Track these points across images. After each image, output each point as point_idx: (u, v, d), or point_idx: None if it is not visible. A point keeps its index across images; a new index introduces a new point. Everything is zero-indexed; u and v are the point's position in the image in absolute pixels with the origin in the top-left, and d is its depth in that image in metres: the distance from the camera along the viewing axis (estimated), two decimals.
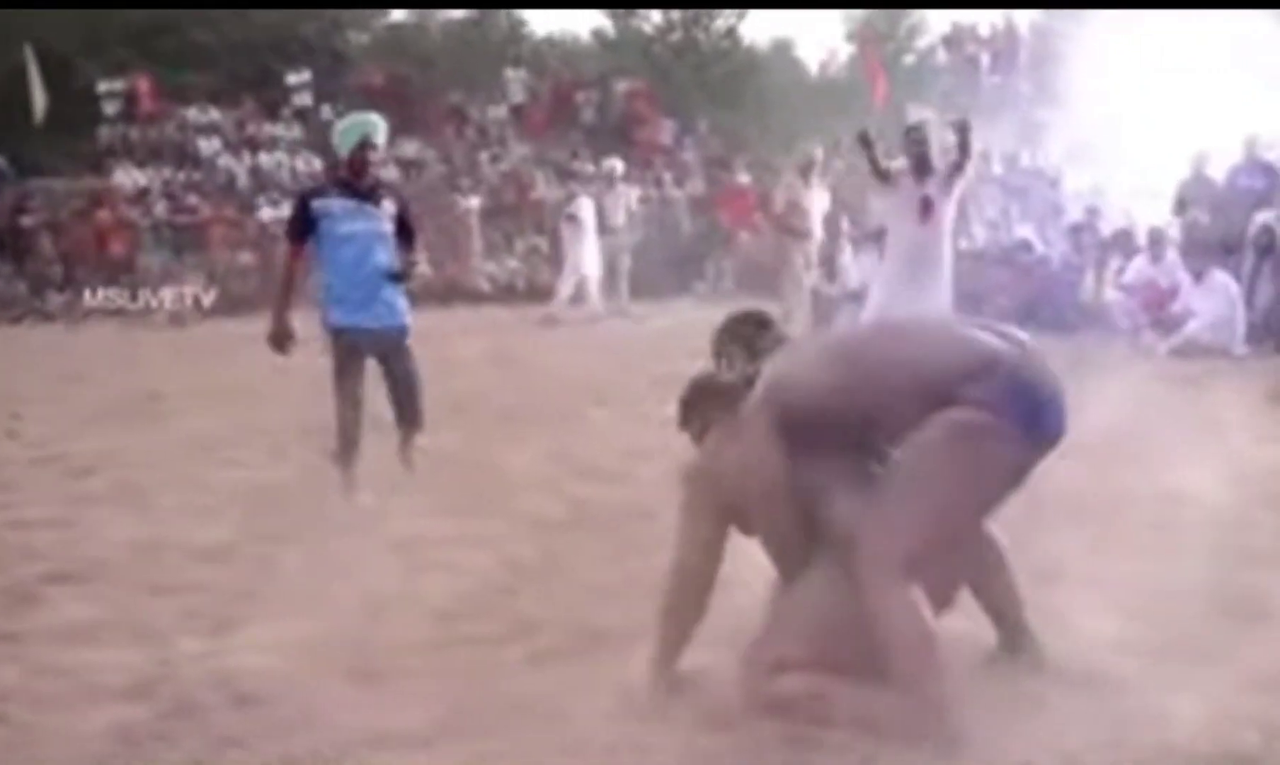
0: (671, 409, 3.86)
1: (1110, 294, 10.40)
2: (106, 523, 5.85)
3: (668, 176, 18.61)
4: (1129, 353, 9.00)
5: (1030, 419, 3.06)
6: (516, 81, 23.87)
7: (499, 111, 23.62)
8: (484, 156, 22.08)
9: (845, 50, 41.71)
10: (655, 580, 4.38)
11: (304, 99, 22.85)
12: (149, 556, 5.22)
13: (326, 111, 22.99)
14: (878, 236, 10.18)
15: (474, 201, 18.53)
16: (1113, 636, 3.65)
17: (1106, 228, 11.31)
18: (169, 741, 3.39)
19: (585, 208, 14.67)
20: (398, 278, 6.09)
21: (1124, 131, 14.24)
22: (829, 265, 11.95)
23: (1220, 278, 9.40)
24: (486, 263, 17.17)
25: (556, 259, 15.68)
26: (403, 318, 6.16)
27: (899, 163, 8.41)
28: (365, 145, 6.00)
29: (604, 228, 14.48)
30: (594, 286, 14.40)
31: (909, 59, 35.74)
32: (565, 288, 14.43)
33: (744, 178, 17.91)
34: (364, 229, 6.00)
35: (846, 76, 39.63)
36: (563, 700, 3.53)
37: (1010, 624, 3.45)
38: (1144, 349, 9.14)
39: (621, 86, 24.20)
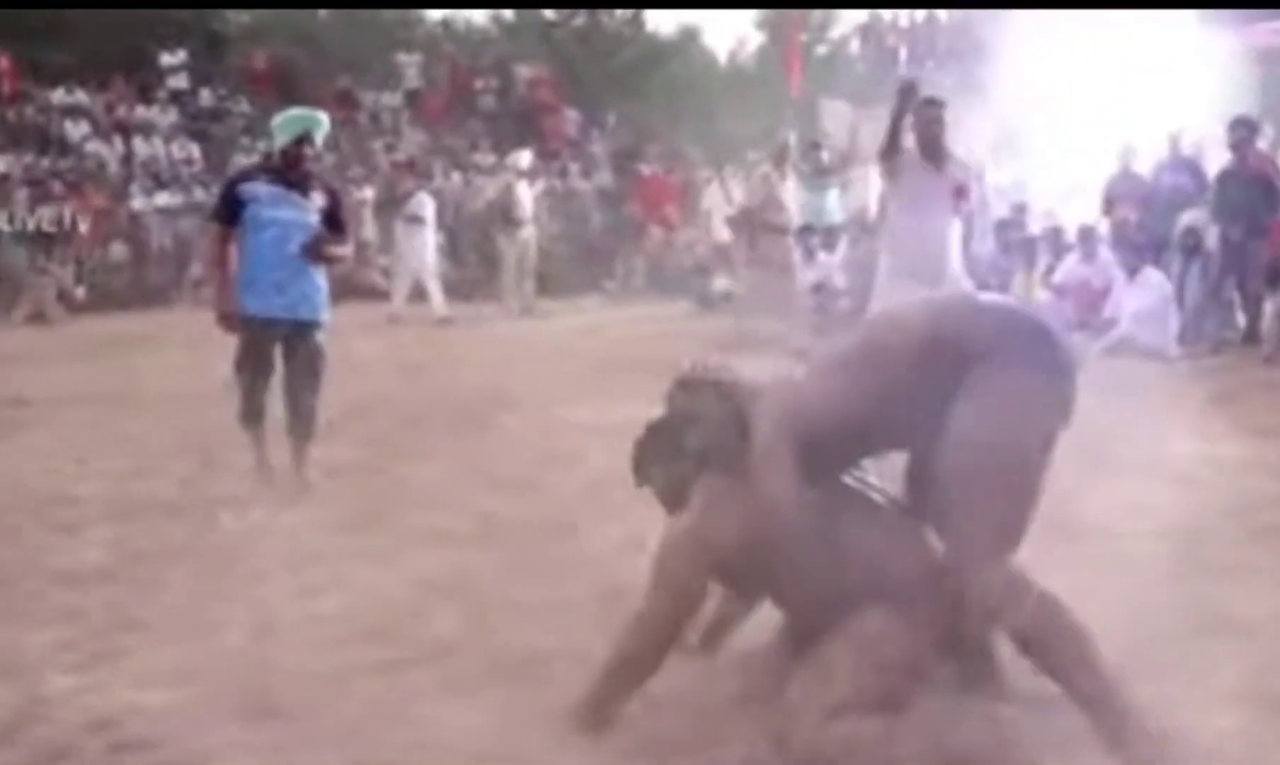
0: (584, 413, 3.72)
1: (1041, 294, 10.49)
2: None
3: (574, 168, 18.46)
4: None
5: (1054, 362, 3.12)
6: (412, 66, 23.55)
7: (393, 98, 23.27)
8: (377, 145, 21.73)
9: (755, 38, 41.99)
10: (576, 600, 4.30)
11: (180, 81, 22.29)
12: (12, 582, 4.91)
13: (206, 95, 22.51)
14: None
15: (368, 193, 18.20)
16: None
17: (1034, 225, 11.41)
18: None
19: (426, 206, 14.55)
20: (312, 255, 6.11)
21: (1047, 127, 14.49)
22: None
23: (1154, 276, 9.52)
24: (380, 257, 16.84)
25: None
26: (318, 312, 6.21)
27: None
28: (303, 141, 6.08)
29: (513, 221, 14.26)
30: (435, 285, 14.20)
31: (821, 50, 36.03)
32: (401, 288, 14.33)
33: (655, 168, 17.87)
34: (288, 217, 6.07)
35: (756, 66, 39.89)
36: (483, 733, 3.37)
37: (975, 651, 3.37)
38: (1077, 350, 9.17)
39: (523, 73, 23.99)
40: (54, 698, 3.73)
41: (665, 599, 3.30)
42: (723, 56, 42.64)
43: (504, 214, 14.43)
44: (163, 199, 17.85)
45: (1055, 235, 10.96)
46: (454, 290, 15.43)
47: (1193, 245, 9.69)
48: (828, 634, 3.22)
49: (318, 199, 6.16)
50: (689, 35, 39.06)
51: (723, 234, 15.44)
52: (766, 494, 3.21)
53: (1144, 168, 11.42)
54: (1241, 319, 9.74)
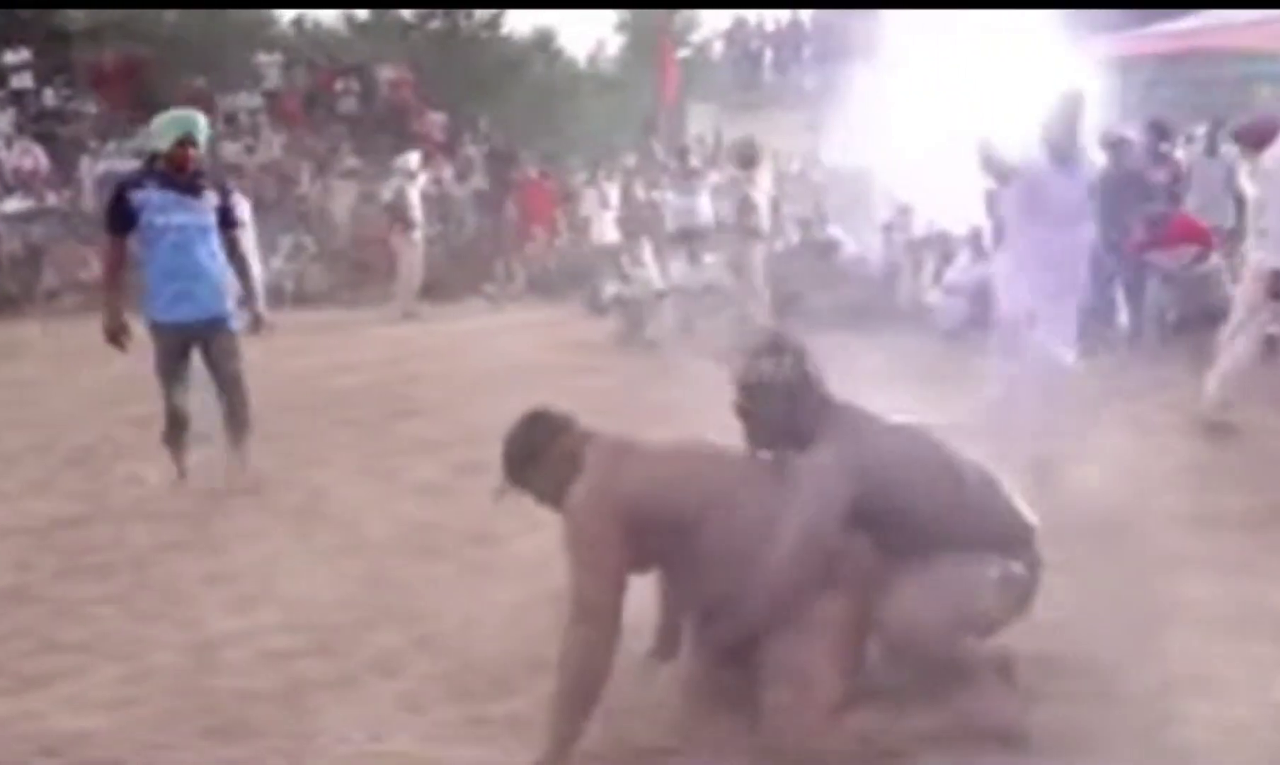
0: (489, 418, 3.67)
1: (932, 296, 10.70)
2: None
3: (448, 173, 18.28)
4: (962, 355, 9.21)
5: None
6: (272, 66, 23.04)
7: (250, 99, 22.75)
8: (234, 148, 21.24)
9: (614, 41, 42.23)
10: (517, 606, 4.28)
11: (24, 80, 21.44)
12: None
13: (49, 96, 21.74)
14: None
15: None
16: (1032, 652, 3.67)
17: (918, 227, 11.64)
18: None
19: (243, 208, 14.25)
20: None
21: (922, 128, 14.83)
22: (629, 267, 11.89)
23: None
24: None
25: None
26: (225, 306, 6.18)
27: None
28: (185, 142, 6.02)
29: (409, 223, 14.08)
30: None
31: (684, 53, 36.36)
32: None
33: (532, 172, 17.80)
34: (184, 221, 6.01)
35: (616, 69, 40.10)
36: (449, 746, 3.35)
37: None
38: (975, 350, 9.35)
39: (385, 75, 23.70)
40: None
41: (587, 579, 3.22)
42: (582, 59, 42.80)
43: (400, 217, 14.18)
44: (12, 205, 17.16)
45: (942, 239, 11.20)
46: (327, 297, 15.20)
47: (976, 245, 10.04)
48: (778, 632, 3.24)
49: (211, 198, 6.11)
50: (545, 37, 39.06)
51: (605, 237, 15.49)
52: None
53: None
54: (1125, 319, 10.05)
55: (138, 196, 5.97)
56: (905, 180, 13.59)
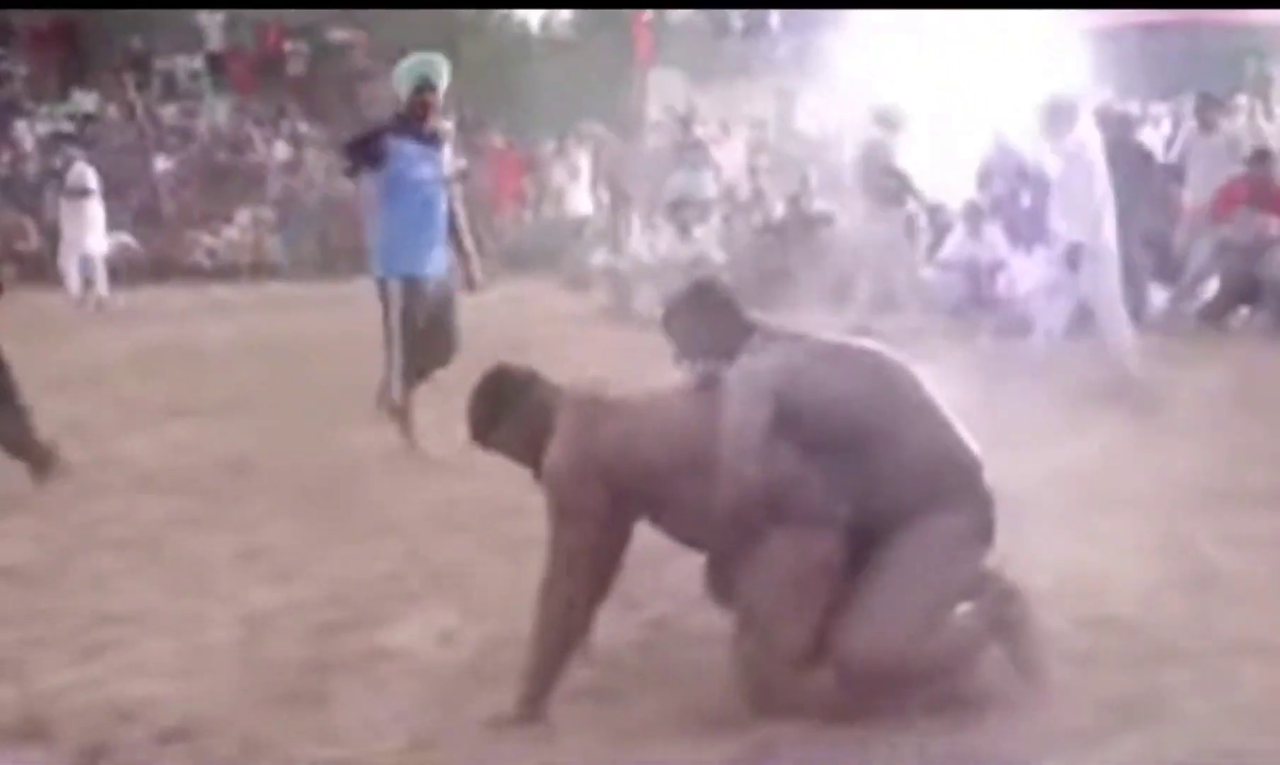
0: None
1: (926, 271, 10.95)
2: None
3: None
4: (954, 332, 9.47)
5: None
6: (213, 27, 22.93)
7: (191, 62, 22.65)
8: (172, 110, 21.17)
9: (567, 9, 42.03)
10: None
11: None
12: None
13: None
14: None
15: (169, 163, 17.80)
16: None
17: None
18: None
19: (89, 176, 14.26)
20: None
21: (905, 101, 15.07)
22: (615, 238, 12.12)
23: (1048, 253, 10.01)
24: (202, 234, 16.47)
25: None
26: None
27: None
28: (424, 88, 6.30)
29: None
30: (100, 267, 13.97)
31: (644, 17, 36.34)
32: (70, 270, 14.00)
33: (498, 141, 17.91)
34: (431, 175, 6.37)
35: (572, 34, 40.02)
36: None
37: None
38: (970, 326, 9.63)
39: (336, 36, 23.62)
40: (61, 693, 3.70)
41: (568, 531, 3.39)
42: (535, 23, 42.64)
43: None
44: None
45: (937, 212, 11.45)
46: (290, 270, 15.25)
47: (974, 219, 10.32)
48: (743, 573, 3.41)
49: (448, 154, 6.53)
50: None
51: (577, 208, 15.56)
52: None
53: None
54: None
55: (393, 142, 6.25)
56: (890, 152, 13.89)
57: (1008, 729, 3.26)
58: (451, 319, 6.49)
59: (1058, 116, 7.75)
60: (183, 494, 5.95)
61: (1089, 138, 7.87)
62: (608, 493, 3.41)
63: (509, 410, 3.61)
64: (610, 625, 3.78)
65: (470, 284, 6.69)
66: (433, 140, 6.39)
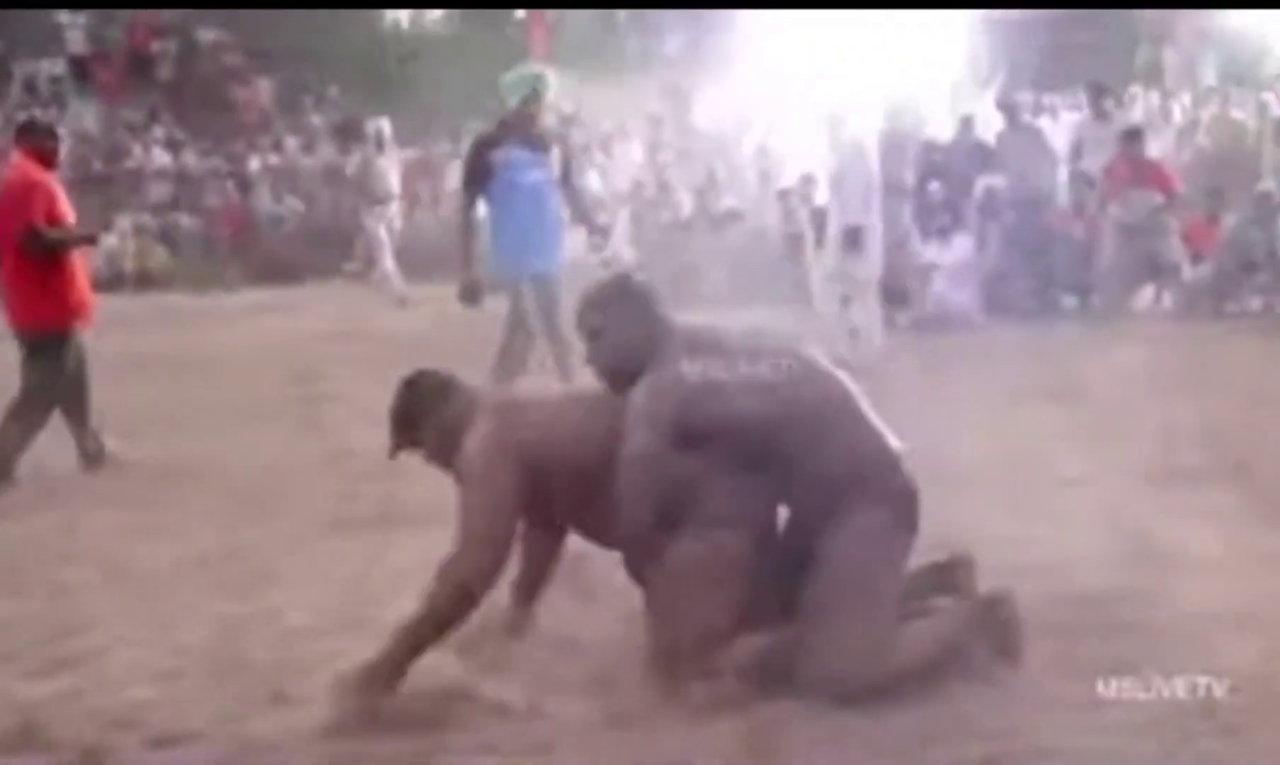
0: None
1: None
2: None
3: (292, 143, 18.25)
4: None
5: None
6: (75, 29, 22.50)
7: (54, 65, 22.22)
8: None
9: None
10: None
11: None
12: None
13: None
14: None
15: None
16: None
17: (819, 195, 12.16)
18: None
19: None
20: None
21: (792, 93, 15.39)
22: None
23: (962, 241, 10.42)
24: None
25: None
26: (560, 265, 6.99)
27: None
28: (530, 99, 6.78)
29: (374, 197, 13.88)
30: None
31: (520, 15, 36.39)
32: None
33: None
34: (540, 178, 6.81)
35: (445, 30, 39.86)
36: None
37: None
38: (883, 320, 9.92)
39: (206, 37, 23.34)
40: (44, 703, 3.76)
41: (475, 517, 3.58)
42: (405, 19, 42.41)
43: (364, 191, 14.02)
44: None
45: None
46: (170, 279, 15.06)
47: (993, 209, 10.66)
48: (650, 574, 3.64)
49: (556, 152, 6.93)
50: None
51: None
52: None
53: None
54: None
55: (496, 155, 6.73)
56: (786, 144, 14.18)
57: (996, 698, 3.52)
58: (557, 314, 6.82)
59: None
60: (122, 505, 5.99)
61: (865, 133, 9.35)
62: (517, 486, 3.61)
63: (428, 413, 3.81)
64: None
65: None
66: (540, 145, 6.83)
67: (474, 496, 3.60)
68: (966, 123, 12.21)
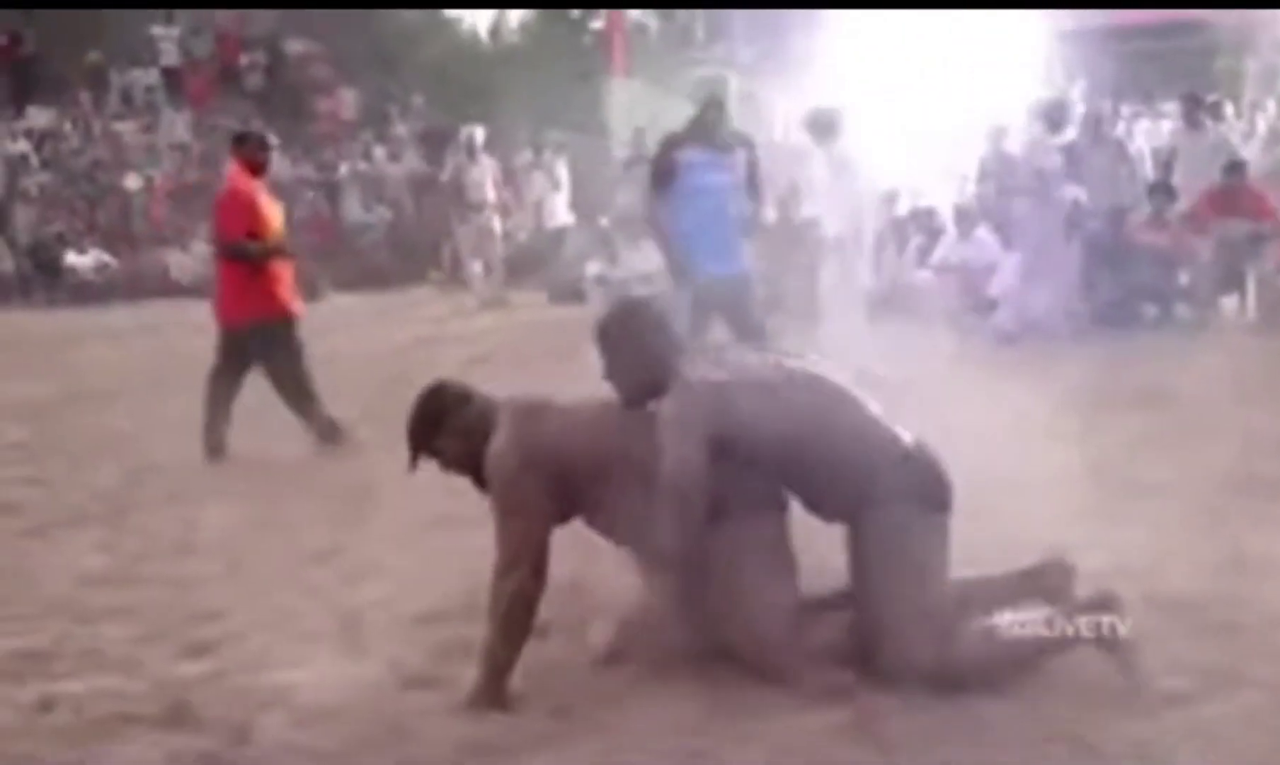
0: None
1: (921, 275, 11.35)
2: None
3: (380, 152, 18.61)
4: (952, 336, 9.83)
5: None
6: (168, 40, 23.06)
7: (147, 75, 22.77)
8: (129, 127, 21.30)
9: (515, 14, 42.28)
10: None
11: None
12: (35, 583, 5.15)
13: None
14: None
15: (137, 180, 17.98)
16: None
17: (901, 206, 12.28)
18: None
19: None
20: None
21: (871, 107, 15.47)
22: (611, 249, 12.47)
23: (1049, 254, 10.44)
24: (171, 251, 16.71)
25: None
26: (745, 264, 7.22)
27: None
28: (710, 106, 7.06)
29: (467, 204, 14.13)
30: None
31: (597, 25, 36.67)
32: None
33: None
34: (722, 182, 7.01)
35: (523, 41, 40.22)
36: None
37: None
38: (965, 331, 10.01)
39: (294, 49, 23.82)
40: (196, 682, 4.00)
41: (515, 522, 3.75)
42: (484, 31, 42.84)
43: (457, 199, 14.24)
44: None
45: (927, 216, 11.85)
46: None
47: (1076, 221, 10.69)
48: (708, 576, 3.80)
49: (741, 157, 7.14)
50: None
51: (555, 220, 15.83)
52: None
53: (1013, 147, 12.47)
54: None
55: (680, 156, 6.99)
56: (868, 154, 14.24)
57: (1092, 695, 3.65)
58: (749, 305, 7.13)
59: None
60: (235, 500, 6.22)
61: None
62: (545, 489, 3.79)
63: (448, 422, 3.97)
64: None
65: None
66: (722, 148, 7.05)
67: (508, 517, 3.78)
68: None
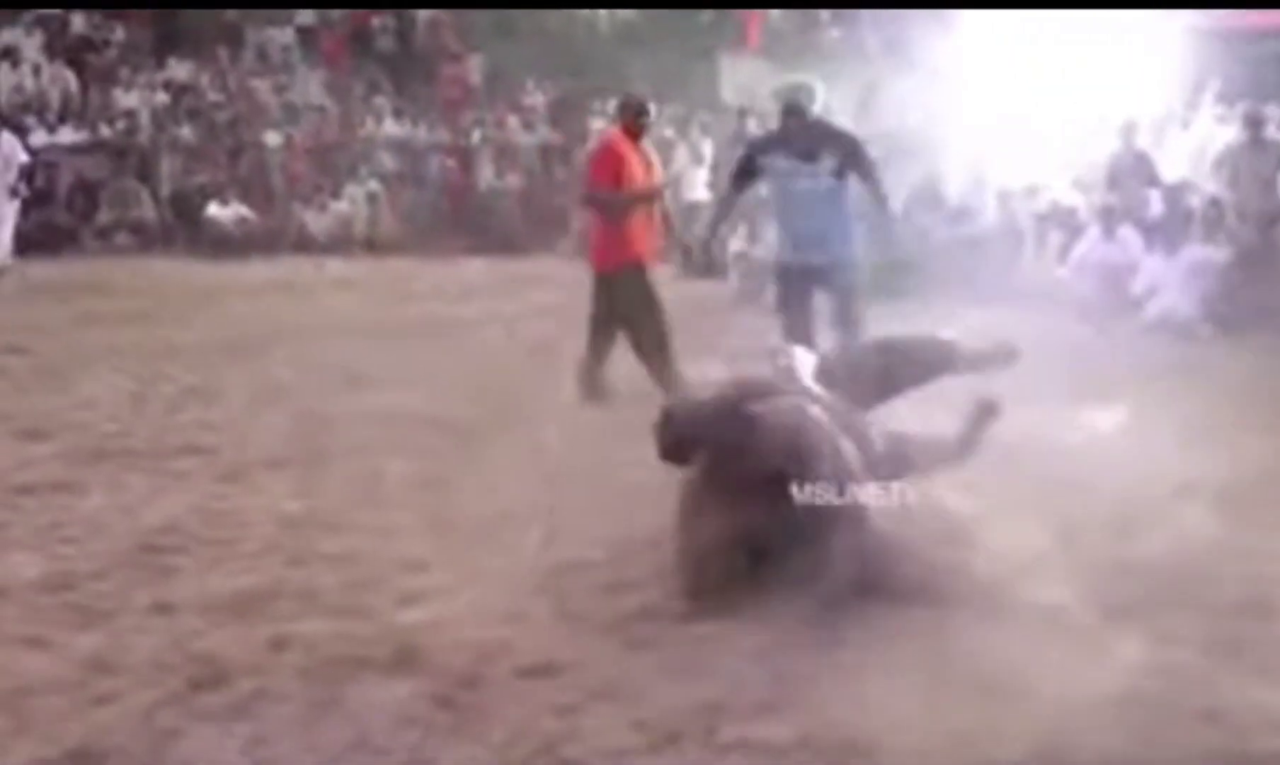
0: None
1: (1060, 271, 11.26)
2: None
3: (513, 120, 18.74)
4: (1091, 332, 9.76)
5: None
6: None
7: (283, 34, 23.02)
8: (263, 85, 21.56)
9: None
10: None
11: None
12: (238, 525, 5.31)
13: (79, 22, 21.98)
14: None
15: (277, 137, 18.27)
16: None
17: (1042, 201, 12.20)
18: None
19: (13, 146, 14.07)
20: None
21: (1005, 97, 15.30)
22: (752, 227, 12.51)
23: (1189, 253, 10.35)
24: (307, 209, 16.99)
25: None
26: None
27: None
28: (790, 113, 7.06)
29: None
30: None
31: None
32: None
33: (599, 123, 18.20)
34: (804, 188, 7.03)
35: (641, 17, 40.10)
36: None
37: None
38: (1107, 329, 9.92)
39: (423, 14, 23.95)
40: (415, 630, 4.11)
41: None
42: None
43: None
44: (66, 136, 17.56)
45: (1068, 214, 11.79)
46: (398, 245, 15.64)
47: (1215, 219, 10.58)
48: None
49: (829, 162, 7.00)
50: None
51: (694, 194, 15.80)
52: None
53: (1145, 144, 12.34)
54: None
55: (762, 161, 7.18)
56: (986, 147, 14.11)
57: None
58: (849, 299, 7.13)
59: None
60: (413, 457, 6.32)
61: None
62: None
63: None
64: None
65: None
66: (808, 155, 7.00)
67: None
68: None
